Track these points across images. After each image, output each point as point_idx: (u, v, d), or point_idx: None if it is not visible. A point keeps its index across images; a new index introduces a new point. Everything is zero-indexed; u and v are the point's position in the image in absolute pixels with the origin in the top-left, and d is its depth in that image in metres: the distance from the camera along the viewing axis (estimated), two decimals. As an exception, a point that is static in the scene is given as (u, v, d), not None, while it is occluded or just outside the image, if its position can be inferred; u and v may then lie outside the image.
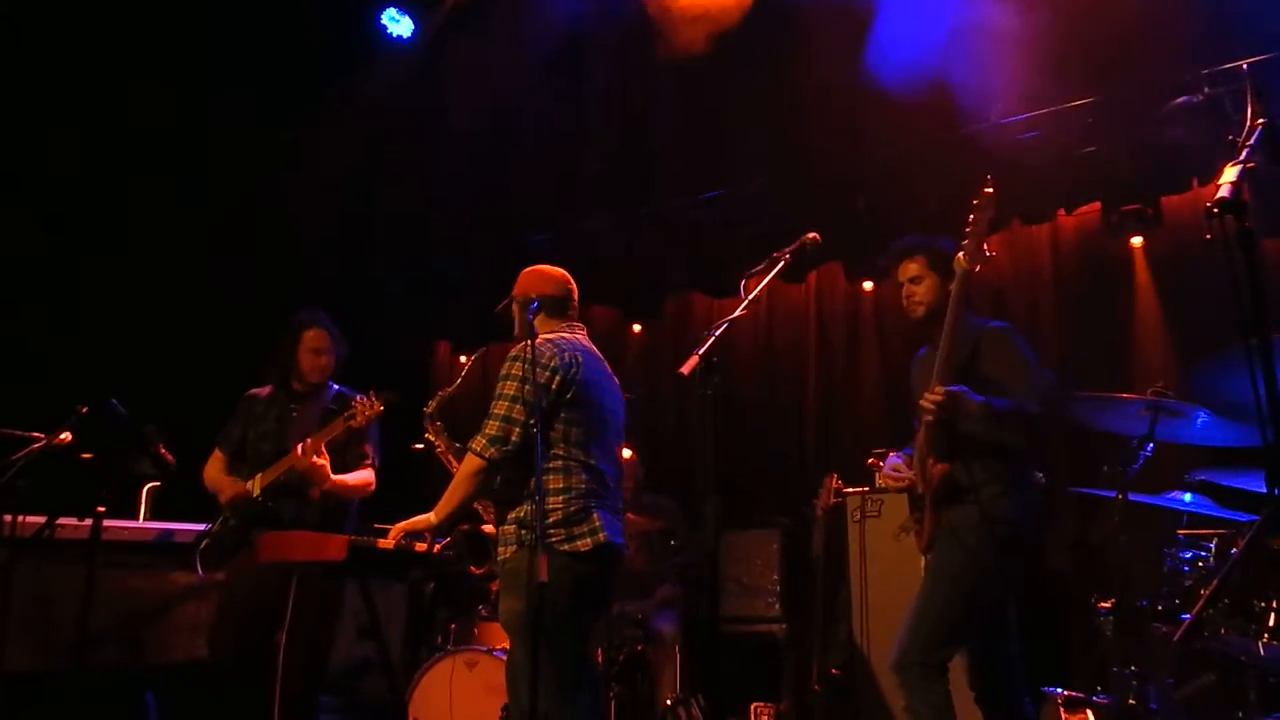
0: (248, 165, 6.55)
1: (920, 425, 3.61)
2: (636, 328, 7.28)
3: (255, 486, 4.27)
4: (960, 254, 3.45)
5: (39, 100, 6.17)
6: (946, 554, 3.50)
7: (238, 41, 6.47)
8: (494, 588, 4.69)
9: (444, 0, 7.12)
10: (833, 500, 5.12)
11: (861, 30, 5.54)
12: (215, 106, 6.51)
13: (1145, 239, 5.49)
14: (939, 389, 3.38)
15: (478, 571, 4.29)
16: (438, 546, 3.81)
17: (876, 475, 5.27)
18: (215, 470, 4.50)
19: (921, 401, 3.41)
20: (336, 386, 4.55)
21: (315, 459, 4.16)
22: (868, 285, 6.42)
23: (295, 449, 4.18)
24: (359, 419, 4.15)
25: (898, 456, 3.81)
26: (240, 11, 6.39)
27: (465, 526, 4.02)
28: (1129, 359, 5.43)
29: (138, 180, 6.47)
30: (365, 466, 4.45)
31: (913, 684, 3.42)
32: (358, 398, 4.23)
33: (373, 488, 4.45)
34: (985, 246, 3.44)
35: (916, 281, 3.71)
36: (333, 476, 4.26)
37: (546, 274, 3.74)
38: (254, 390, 4.59)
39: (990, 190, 3.44)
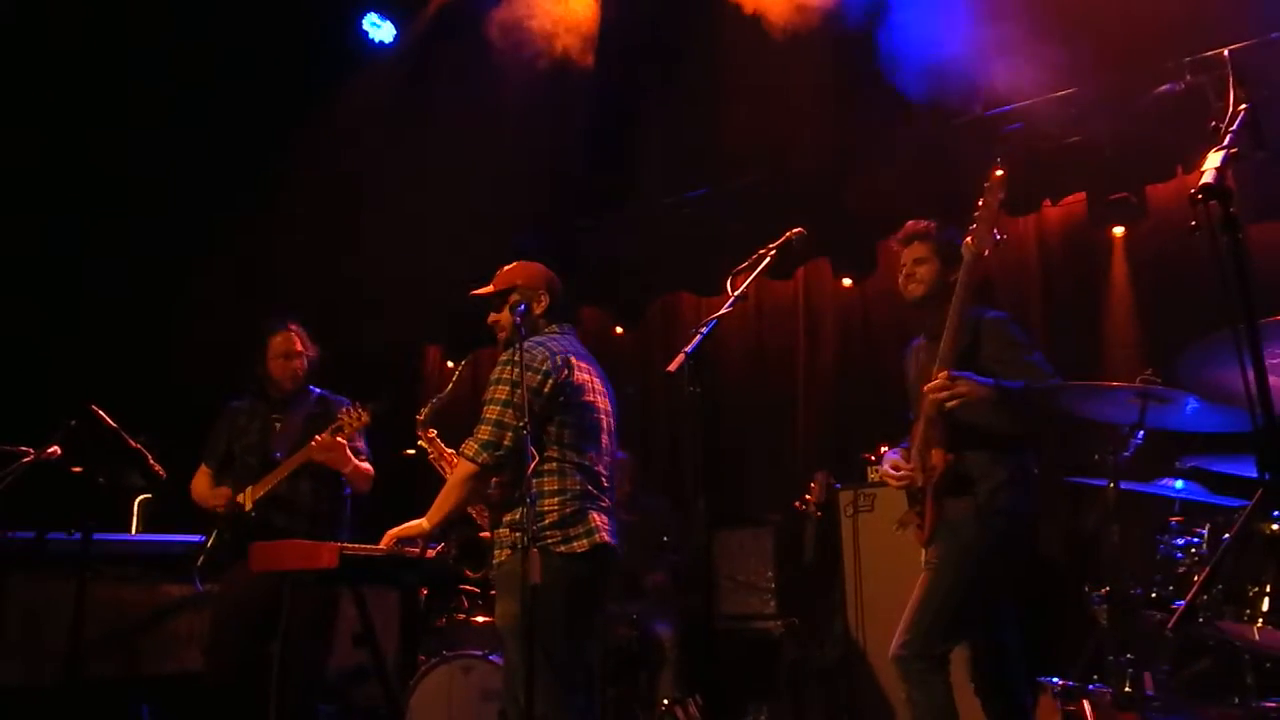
0: (237, 168, 6.53)
1: (917, 417, 3.61)
2: (622, 328, 7.28)
3: (246, 500, 4.26)
4: (968, 238, 3.46)
5: (34, 101, 6.15)
6: (946, 547, 3.50)
7: (228, 45, 6.45)
8: (492, 594, 4.69)
9: (427, 4, 7.11)
10: (825, 496, 5.12)
11: (846, 27, 5.55)
12: (204, 113, 6.49)
13: (1128, 229, 5.52)
14: (942, 373, 3.38)
15: (474, 576, 4.27)
16: (430, 552, 3.79)
17: (869, 470, 5.29)
18: (203, 485, 4.47)
19: (926, 391, 3.41)
20: (317, 390, 4.53)
21: (339, 438, 4.16)
22: (847, 282, 6.43)
23: (311, 442, 4.17)
24: (347, 431, 4.15)
25: (894, 452, 3.80)
26: (229, 16, 6.37)
27: (460, 536, 4.01)
28: (1100, 348, 5.48)
29: (134, 186, 6.45)
30: (363, 461, 4.45)
31: (913, 676, 3.42)
32: (344, 409, 4.23)
33: (372, 479, 4.46)
34: (995, 231, 3.45)
35: (920, 263, 3.71)
36: (352, 459, 4.28)
37: (546, 272, 3.71)
38: (235, 402, 4.57)
39: (1001, 173, 3.44)
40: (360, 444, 4.47)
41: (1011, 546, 3.54)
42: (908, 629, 3.48)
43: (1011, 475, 3.51)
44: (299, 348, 4.48)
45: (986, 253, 3.48)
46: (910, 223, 3.81)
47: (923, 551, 3.63)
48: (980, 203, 3.46)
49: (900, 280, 3.78)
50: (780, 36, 5.61)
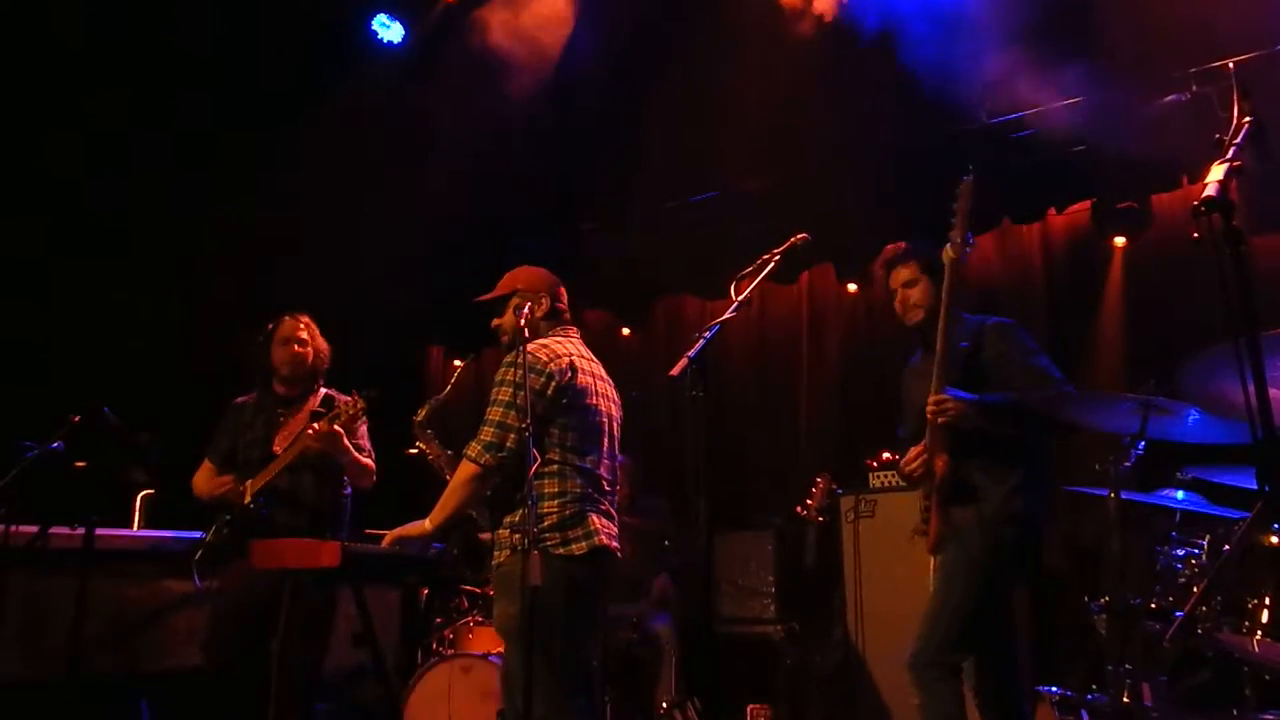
0: (241, 170, 6.54)
1: (915, 428, 3.63)
2: (628, 330, 7.29)
3: (246, 493, 4.25)
4: (947, 246, 3.48)
5: (37, 102, 6.16)
6: (954, 557, 3.51)
7: (231, 45, 6.47)
8: (490, 593, 4.69)
9: (435, 4, 7.13)
10: (826, 500, 5.13)
11: (851, 31, 5.55)
12: (207, 111, 6.51)
13: (1131, 238, 5.53)
14: (934, 398, 3.41)
15: (474, 578, 4.28)
16: (432, 553, 3.80)
17: (871, 476, 5.30)
18: (205, 480, 4.47)
19: (928, 413, 3.44)
20: (324, 390, 4.53)
21: (335, 426, 4.16)
22: (852, 287, 6.44)
23: (309, 430, 4.16)
24: (344, 418, 4.14)
25: None
26: (233, 17, 6.39)
27: (462, 538, 4.02)
28: (1103, 356, 5.50)
29: (133, 184, 6.46)
30: (364, 457, 4.45)
31: (926, 683, 3.43)
32: (341, 399, 4.24)
33: (374, 474, 4.45)
34: (970, 235, 3.48)
35: (910, 285, 3.72)
36: (350, 450, 4.27)
37: (545, 275, 3.72)
38: (240, 398, 4.57)
39: (969, 179, 3.48)
40: (363, 440, 4.47)
41: (1018, 554, 3.55)
42: (919, 638, 3.49)
43: (1021, 482, 3.51)
44: (304, 335, 4.47)
45: (964, 259, 3.51)
46: (889, 247, 3.83)
47: (930, 559, 3.63)
48: (953, 209, 3.49)
49: (897, 308, 3.78)
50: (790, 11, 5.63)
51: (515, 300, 3.61)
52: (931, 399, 3.44)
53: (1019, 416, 3.49)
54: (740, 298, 3.34)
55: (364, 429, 4.49)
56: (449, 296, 6.99)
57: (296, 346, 4.43)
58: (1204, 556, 3.73)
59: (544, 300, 3.61)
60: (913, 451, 3.65)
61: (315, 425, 4.15)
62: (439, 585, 5.40)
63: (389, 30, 7.21)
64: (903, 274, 3.74)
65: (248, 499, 4.24)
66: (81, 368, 5.79)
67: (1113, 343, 5.54)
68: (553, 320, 3.65)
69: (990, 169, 3.71)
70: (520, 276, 3.69)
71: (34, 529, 4.30)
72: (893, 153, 5.85)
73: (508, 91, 6.56)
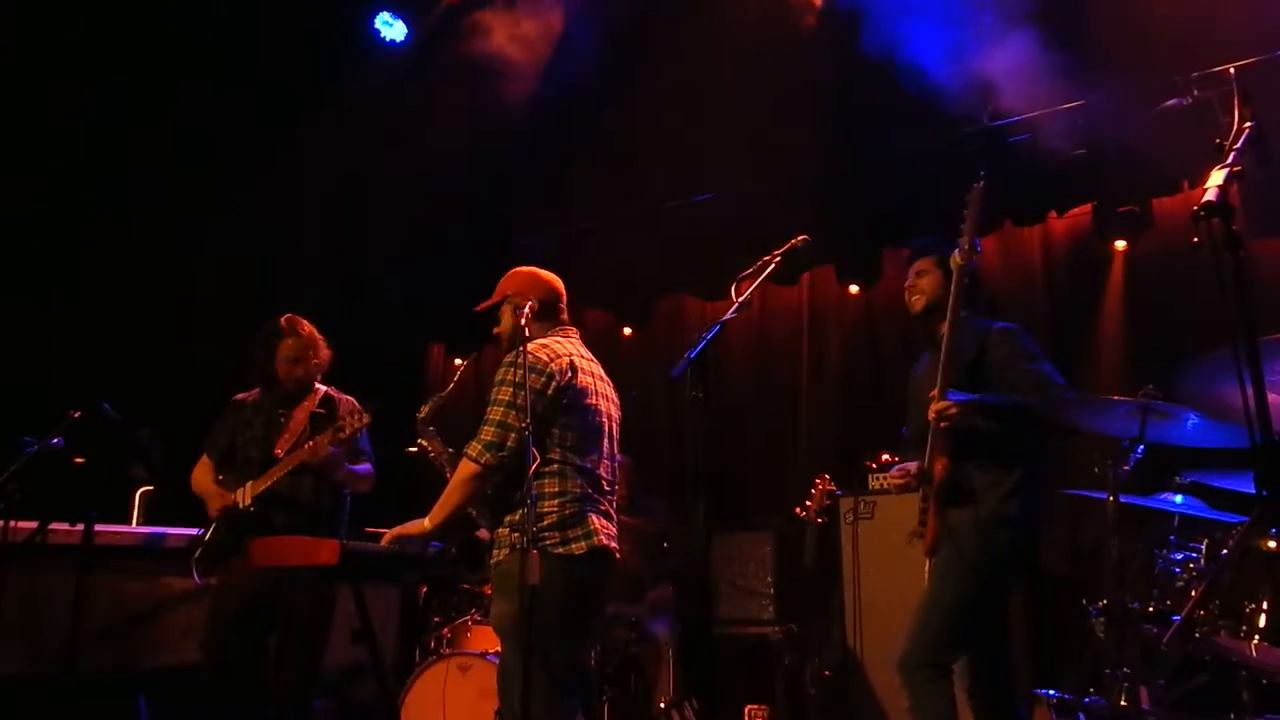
0: (241, 169, 6.55)
1: (918, 430, 3.63)
2: (628, 330, 7.29)
3: (245, 496, 4.25)
4: (955, 252, 3.50)
5: (37, 102, 6.17)
6: (948, 557, 3.52)
7: (235, 44, 6.47)
8: (487, 591, 4.70)
9: (438, 3, 7.13)
10: (825, 502, 5.13)
11: (854, 33, 5.55)
12: (209, 109, 6.51)
13: (1131, 242, 5.53)
14: (936, 404, 3.41)
15: (474, 578, 4.27)
16: (431, 552, 3.80)
17: (870, 478, 5.30)
18: (203, 477, 4.47)
19: (931, 417, 3.46)
20: (324, 388, 4.53)
21: (333, 447, 4.16)
22: (853, 288, 6.45)
23: (307, 445, 4.17)
24: (347, 431, 4.14)
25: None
26: (236, 15, 6.39)
27: (460, 538, 4.02)
28: (1103, 360, 5.52)
29: (135, 182, 6.46)
30: (363, 462, 4.46)
31: (917, 685, 3.44)
32: (344, 411, 4.24)
33: (372, 480, 4.46)
34: (978, 241, 3.50)
35: (922, 275, 3.77)
36: (344, 467, 4.29)
37: (536, 276, 3.71)
38: (240, 395, 4.57)
39: (980, 185, 3.49)
40: (363, 444, 4.47)
41: (1013, 557, 3.56)
42: (910, 638, 3.49)
43: (1017, 485, 3.52)
44: (308, 355, 4.44)
45: (969, 264, 3.53)
46: (915, 241, 3.88)
47: (925, 561, 3.64)
48: (964, 214, 3.51)
49: (905, 296, 3.83)
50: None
51: (505, 306, 3.64)
52: (934, 406, 3.45)
53: (1017, 417, 3.50)
54: (741, 299, 3.34)
55: (364, 434, 4.49)
56: (449, 296, 7.01)
57: (299, 366, 4.43)
58: (1202, 560, 3.73)
59: (533, 303, 3.60)
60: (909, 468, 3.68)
61: (315, 440, 4.15)
62: (438, 584, 5.41)
63: (391, 29, 7.22)
64: (920, 265, 3.80)
65: (247, 501, 4.24)
66: (81, 364, 5.79)
67: (1113, 345, 5.55)
68: (544, 320, 3.63)
69: (991, 171, 3.71)
70: (510, 282, 3.69)
71: (33, 525, 4.30)
72: (894, 154, 5.85)
73: (509, 91, 6.56)
